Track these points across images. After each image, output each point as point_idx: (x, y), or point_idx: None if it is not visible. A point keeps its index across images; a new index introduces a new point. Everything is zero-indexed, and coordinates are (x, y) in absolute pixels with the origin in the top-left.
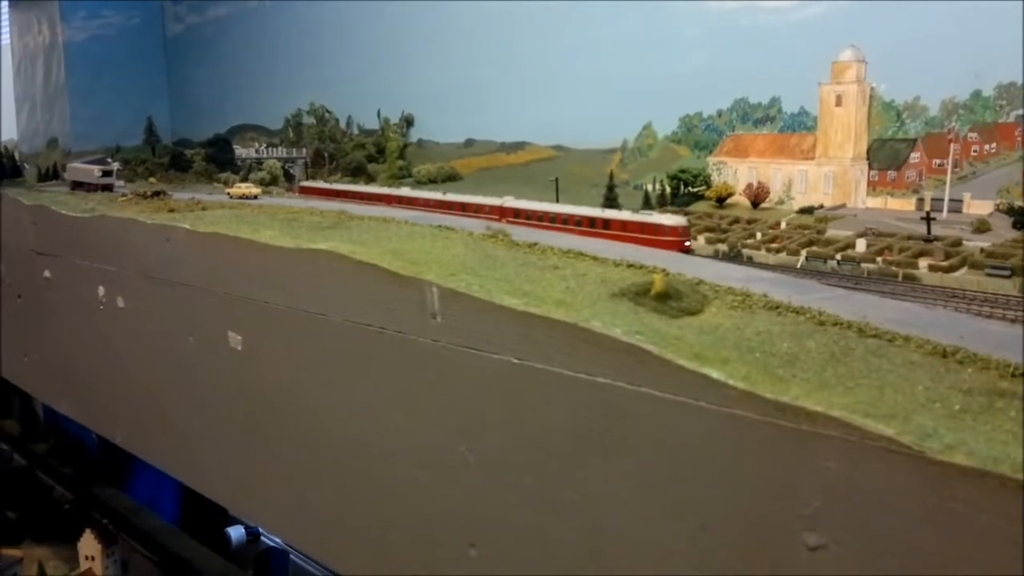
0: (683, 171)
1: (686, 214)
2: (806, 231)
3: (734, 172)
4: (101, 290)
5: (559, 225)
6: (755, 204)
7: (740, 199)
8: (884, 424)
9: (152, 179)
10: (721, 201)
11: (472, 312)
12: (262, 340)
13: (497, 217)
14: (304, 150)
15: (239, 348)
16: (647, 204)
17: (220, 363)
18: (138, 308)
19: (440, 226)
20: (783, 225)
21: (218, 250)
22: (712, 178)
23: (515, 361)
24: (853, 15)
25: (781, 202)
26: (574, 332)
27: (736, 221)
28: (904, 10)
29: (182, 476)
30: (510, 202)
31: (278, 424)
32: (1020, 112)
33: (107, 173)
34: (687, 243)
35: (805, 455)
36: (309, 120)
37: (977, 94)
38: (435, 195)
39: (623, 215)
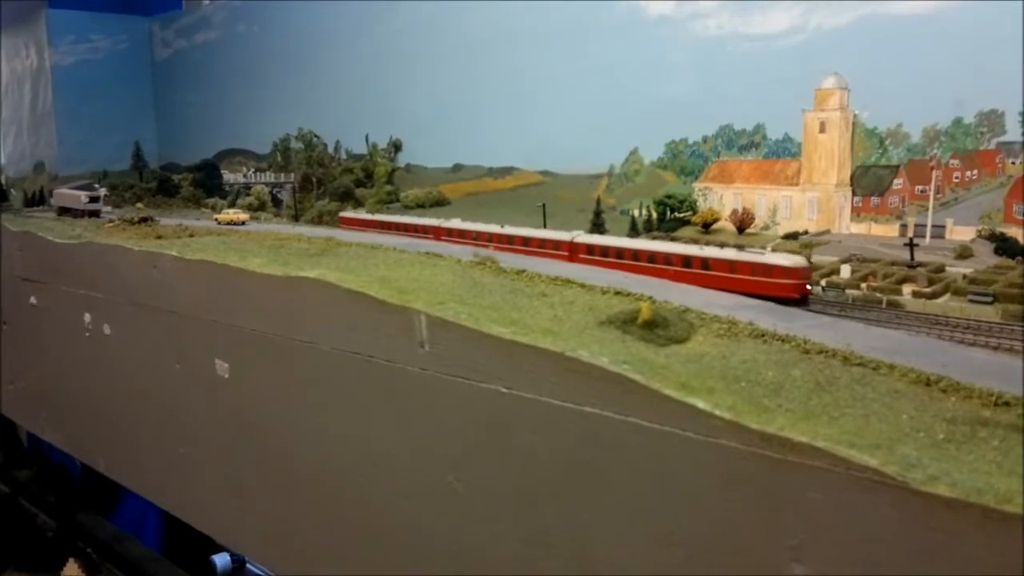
0: (669, 197)
1: (672, 239)
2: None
3: (720, 198)
4: (87, 317)
5: (644, 264)
6: (741, 230)
7: (726, 224)
8: (868, 455)
9: (139, 204)
10: (707, 227)
11: (460, 341)
12: (249, 368)
13: (567, 254)
14: (292, 175)
15: (226, 376)
16: (633, 229)
17: (207, 391)
18: (125, 335)
19: (428, 253)
20: (768, 250)
21: (206, 278)
22: (698, 204)
23: (503, 390)
24: (836, 43)
25: (766, 227)
26: (561, 361)
27: (723, 247)
28: (886, 38)
29: (166, 504)
30: (582, 237)
31: (264, 452)
32: (1000, 139)
33: (94, 199)
34: (808, 287)
35: (791, 486)
36: (297, 145)
37: (958, 121)
38: (492, 228)
39: (728, 254)
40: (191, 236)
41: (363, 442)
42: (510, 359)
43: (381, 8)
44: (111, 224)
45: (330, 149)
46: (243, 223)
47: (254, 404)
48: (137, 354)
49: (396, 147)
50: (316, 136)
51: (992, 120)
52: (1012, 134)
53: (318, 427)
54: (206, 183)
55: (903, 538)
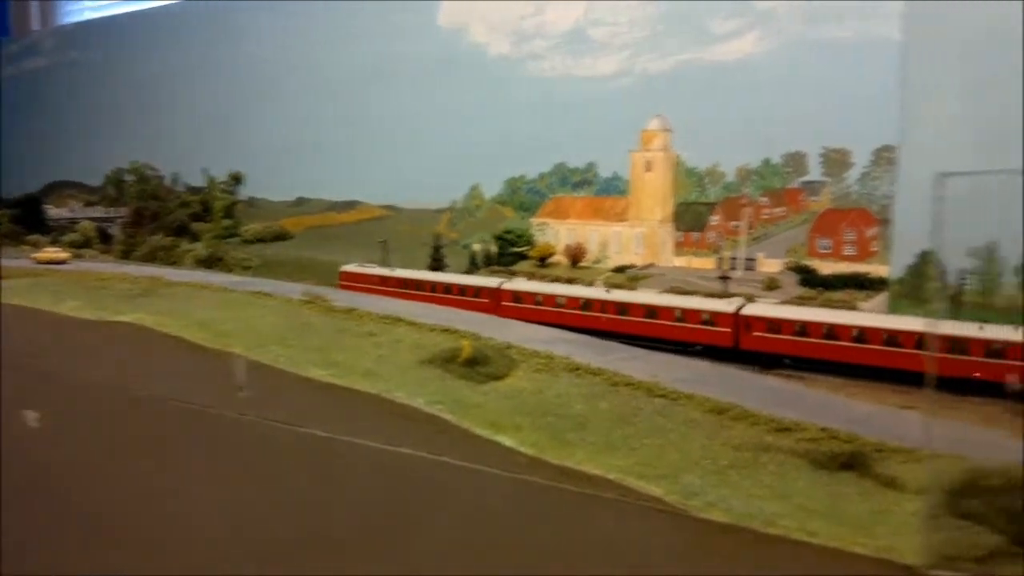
0: (508, 231)
1: (510, 274)
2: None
3: (556, 233)
4: None
5: (876, 347)
6: (574, 263)
7: (561, 259)
8: (655, 485)
9: None
10: (543, 261)
11: (279, 385)
12: (61, 416)
13: (730, 330)
14: (126, 209)
15: (36, 425)
16: (473, 264)
17: (14, 441)
18: None
19: (257, 292)
20: (599, 283)
21: (15, 323)
22: (535, 238)
23: (322, 434)
24: (659, 87)
25: (598, 261)
26: (379, 404)
27: (556, 280)
28: (703, 83)
29: None
30: (764, 309)
31: (76, 501)
32: (804, 179)
33: None
34: None
35: (588, 517)
36: (131, 178)
37: (767, 162)
38: (592, 293)
39: None
40: (3, 278)
41: (180, 490)
42: (329, 402)
43: (225, 41)
44: None
45: (169, 182)
46: (63, 262)
47: (65, 453)
48: None
49: (236, 180)
50: (152, 168)
51: (796, 161)
52: (814, 174)
53: (133, 475)
54: (26, 219)
55: (687, 563)
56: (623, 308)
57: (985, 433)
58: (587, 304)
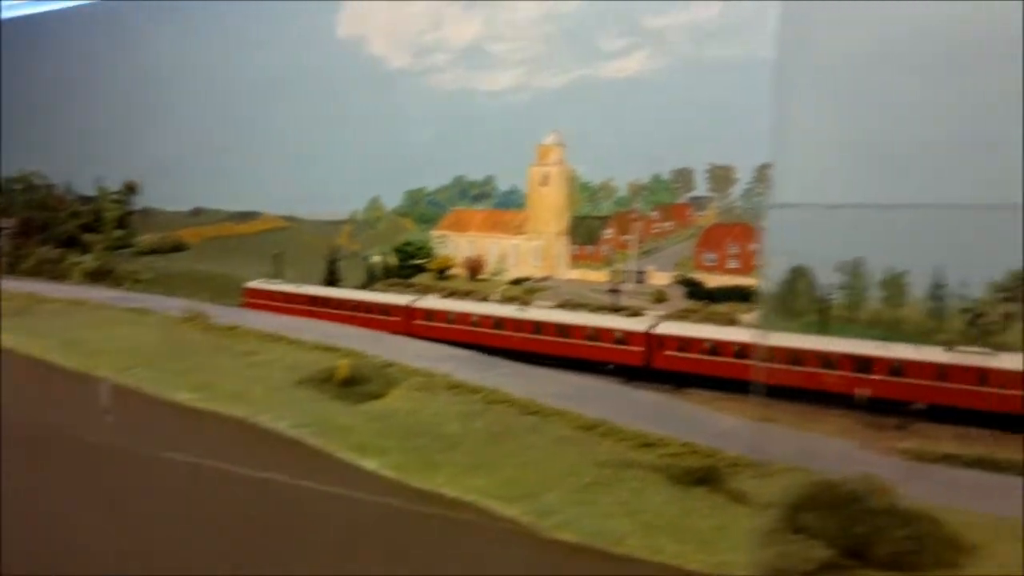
0: (408, 244)
1: (408, 286)
2: (515, 302)
3: (456, 245)
4: None
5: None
6: (473, 276)
7: (460, 271)
8: (513, 506)
9: None
10: (442, 273)
11: (144, 409)
12: None
13: (642, 348)
14: (12, 220)
15: None
16: (371, 277)
17: None
18: None
19: (135, 309)
20: (496, 296)
21: None
22: (435, 250)
23: (186, 459)
24: (555, 101)
25: (497, 273)
26: (243, 428)
27: (453, 294)
28: (597, 99)
29: None
30: (677, 327)
31: None
32: (692, 194)
33: None
34: None
35: (447, 539)
36: (18, 186)
37: (657, 177)
38: (508, 311)
39: None
40: None
41: (45, 520)
42: (195, 426)
43: (121, 47)
44: None
45: (62, 191)
46: None
47: None
48: None
49: (130, 189)
50: (41, 177)
51: (685, 176)
52: (701, 189)
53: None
54: None
55: None
56: (537, 327)
57: (839, 444)
58: (500, 323)
